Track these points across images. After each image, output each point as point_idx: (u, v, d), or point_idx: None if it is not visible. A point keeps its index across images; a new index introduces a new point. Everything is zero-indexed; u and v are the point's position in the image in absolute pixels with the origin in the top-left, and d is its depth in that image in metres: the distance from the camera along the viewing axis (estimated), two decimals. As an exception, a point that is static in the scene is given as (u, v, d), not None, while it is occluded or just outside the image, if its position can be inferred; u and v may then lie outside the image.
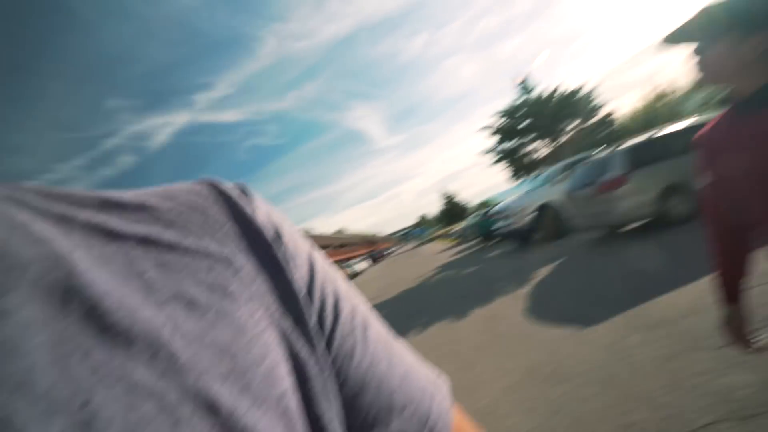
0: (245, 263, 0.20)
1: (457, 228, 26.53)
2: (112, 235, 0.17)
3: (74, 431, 0.12)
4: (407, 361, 0.26)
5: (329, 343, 0.22)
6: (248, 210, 0.22)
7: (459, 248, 17.63)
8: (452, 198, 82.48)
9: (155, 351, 0.15)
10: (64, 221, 0.17)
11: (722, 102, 0.95)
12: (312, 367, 0.20)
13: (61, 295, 0.14)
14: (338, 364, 0.22)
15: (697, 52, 0.90)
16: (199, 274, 0.18)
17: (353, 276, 26.60)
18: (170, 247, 0.18)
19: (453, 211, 79.08)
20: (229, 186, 0.23)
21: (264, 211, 0.23)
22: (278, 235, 0.23)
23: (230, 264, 0.19)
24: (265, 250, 0.21)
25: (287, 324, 0.20)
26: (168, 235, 0.19)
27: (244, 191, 0.24)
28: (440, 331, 4.41)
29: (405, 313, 6.04)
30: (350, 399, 0.22)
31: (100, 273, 0.16)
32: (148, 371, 0.14)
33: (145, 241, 0.18)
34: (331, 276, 0.25)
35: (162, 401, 0.14)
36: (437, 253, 18.44)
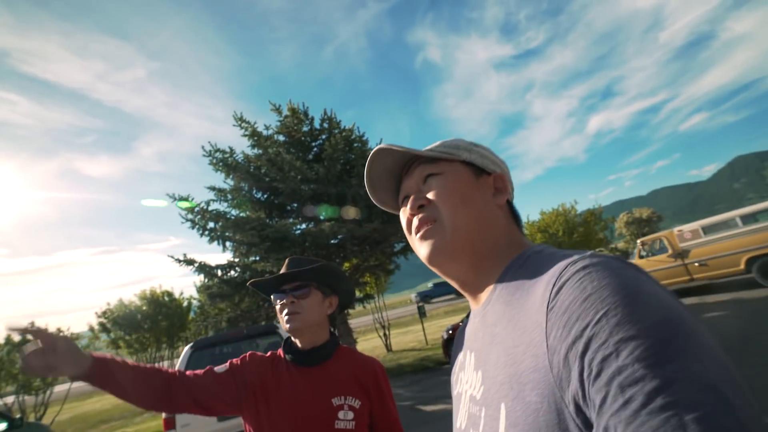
0: (534, 313, 0.37)
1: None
2: (510, 290, 0.44)
3: (493, 357, 0.43)
4: None
5: (583, 396, 0.30)
6: (555, 279, 0.36)
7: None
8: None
9: (495, 347, 0.43)
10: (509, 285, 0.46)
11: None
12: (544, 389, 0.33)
13: (483, 312, 0.49)
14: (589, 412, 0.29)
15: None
16: (515, 314, 0.41)
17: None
18: (511, 300, 0.43)
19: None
20: (569, 262, 0.37)
21: (562, 281, 0.35)
22: (555, 298, 0.35)
23: (528, 309, 0.39)
24: (542, 308, 0.36)
25: (527, 363, 0.35)
26: (517, 294, 0.43)
27: (570, 267, 0.36)
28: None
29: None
30: None
31: (489, 308, 0.48)
32: (492, 353, 0.44)
33: (511, 295, 0.44)
34: (605, 357, 0.29)
35: (491, 365, 0.43)
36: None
